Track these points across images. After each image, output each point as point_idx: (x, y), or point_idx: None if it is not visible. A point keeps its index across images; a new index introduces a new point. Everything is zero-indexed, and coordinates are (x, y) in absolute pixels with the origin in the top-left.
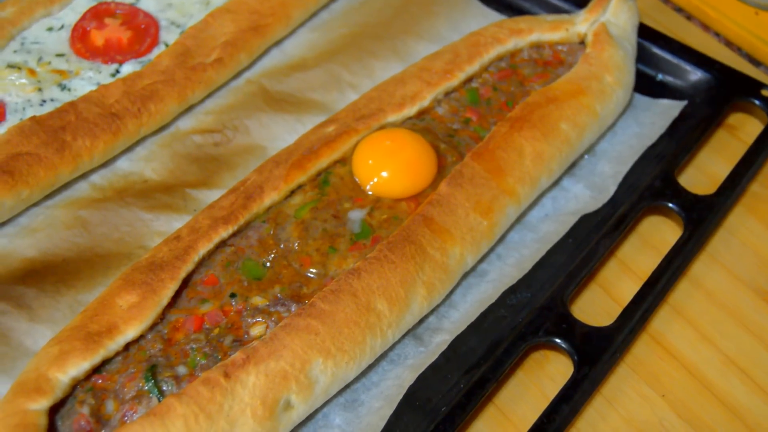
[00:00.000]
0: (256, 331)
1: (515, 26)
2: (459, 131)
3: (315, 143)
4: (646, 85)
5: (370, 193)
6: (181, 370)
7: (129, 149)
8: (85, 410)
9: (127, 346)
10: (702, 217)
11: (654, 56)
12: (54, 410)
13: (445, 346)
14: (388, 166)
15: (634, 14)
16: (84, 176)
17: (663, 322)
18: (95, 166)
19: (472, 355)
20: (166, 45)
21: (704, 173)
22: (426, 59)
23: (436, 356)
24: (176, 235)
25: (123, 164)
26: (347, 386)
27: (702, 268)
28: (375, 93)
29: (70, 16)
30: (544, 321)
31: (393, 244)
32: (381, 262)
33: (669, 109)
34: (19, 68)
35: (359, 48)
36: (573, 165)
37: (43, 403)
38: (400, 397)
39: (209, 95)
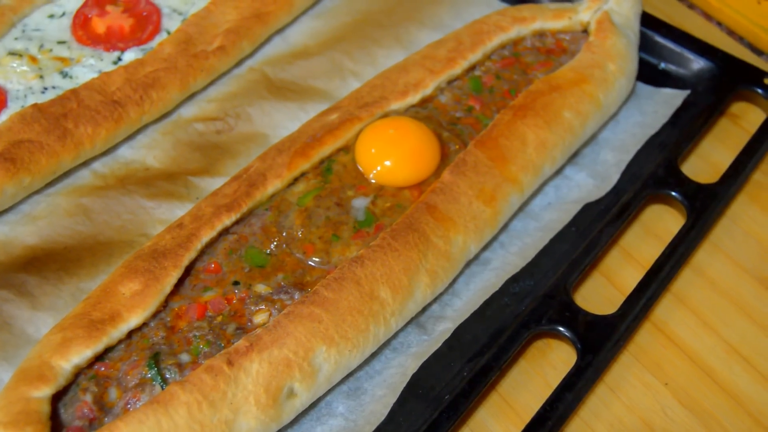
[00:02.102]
0: (259, 318)
1: (518, 14)
2: (462, 119)
3: (318, 131)
4: (649, 74)
5: (373, 181)
6: (184, 357)
7: (131, 137)
8: (88, 398)
9: (130, 334)
10: (705, 206)
11: (657, 45)
12: (57, 398)
13: (448, 335)
14: (391, 155)
15: (636, 3)
16: (86, 164)
17: (666, 310)
18: (97, 153)
19: (475, 344)
20: (168, 32)
21: (707, 162)
22: (429, 47)
23: (440, 344)
24: (179, 222)
25: (125, 152)
26: (350, 374)
27: (705, 257)
28: (378, 81)
29: (72, 3)
30: (547, 309)
31: (396, 232)
32: (384, 250)
33: (672, 98)
34: (21, 55)
35: (362, 36)
36: (576, 153)
37: (45, 391)
38: (404, 385)
39: (211, 83)
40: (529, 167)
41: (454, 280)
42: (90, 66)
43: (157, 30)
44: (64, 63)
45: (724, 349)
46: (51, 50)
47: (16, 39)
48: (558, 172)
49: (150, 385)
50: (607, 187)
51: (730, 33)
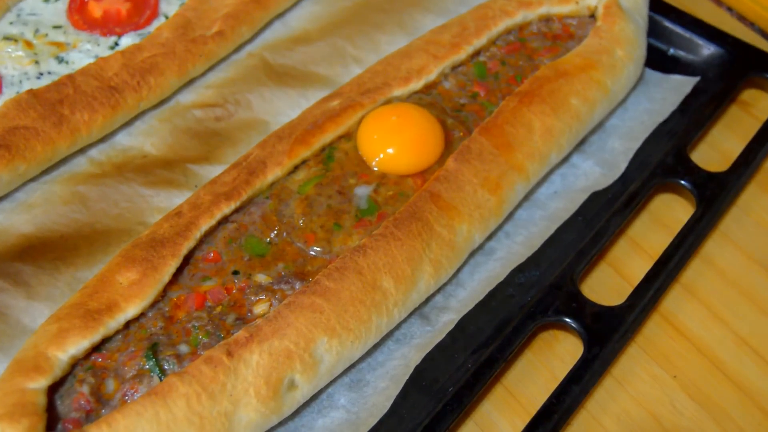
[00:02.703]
0: (259, 309)
1: None
2: (466, 106)
3: (319, 118)
4: (658, 60)
5: (375, 169)
6: (183, 348)
7: (128, 124)
8: (85, 389)
9: (128, 324)
10: (715, 195)
11: (666, 30)
12: (53, 389)
13: (452, 326)
14: (394, 142)
15: None
16: (82, 151)
17: (674, 301)
18: (94, 140)
19: (479, 335)
20: (166, 17)
21: (717, 150)
22: (432, 32)
23: (443, 335)
24: (177, 210)
25: (122, 139)
26: (352, 366)
27: (714, 247)
28: (380, 67)
29: None
30: (553, 300)
31: (399, 221)
32: (387, 239)
33: (681, 85)
34: (16, 40)
35: (364, 21)
36: (583, 141)
37: (41, 382)
38: (407, 377)
39: (210, 69)
40: (535, 155)
41: (458, 270)
42: (86, 51)
43: (154, 14)
44: (60, 48)
45: (733, 340)
46: (47, 35)
47: (11, 23)
48: (564, 160)
49: (148, 376)
50: (615, 176)
51: (741, 18)
